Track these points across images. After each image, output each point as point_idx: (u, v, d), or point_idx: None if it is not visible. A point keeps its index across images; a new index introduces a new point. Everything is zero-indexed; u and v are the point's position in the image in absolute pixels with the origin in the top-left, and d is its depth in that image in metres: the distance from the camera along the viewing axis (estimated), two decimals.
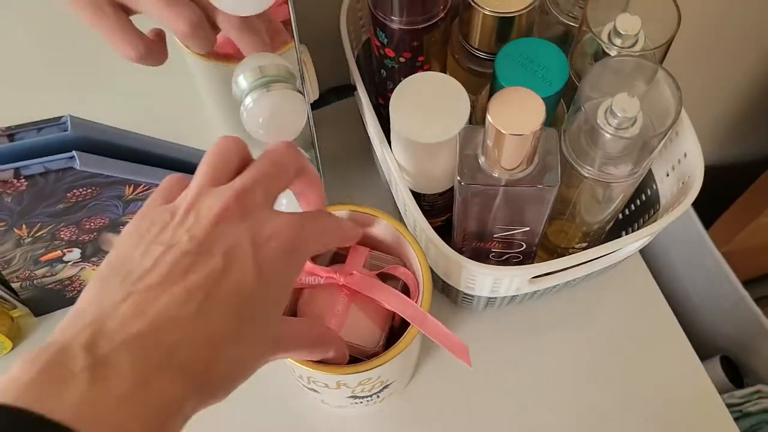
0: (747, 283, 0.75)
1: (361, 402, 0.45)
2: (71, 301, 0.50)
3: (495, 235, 0.44)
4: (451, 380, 0.50)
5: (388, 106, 0.42)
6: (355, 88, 0.49)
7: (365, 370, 0.37)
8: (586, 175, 0.39)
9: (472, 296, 0.48)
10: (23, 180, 0.36)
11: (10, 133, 0.37)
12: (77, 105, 0.39)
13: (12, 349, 0.49)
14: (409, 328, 0.38)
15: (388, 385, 0.44)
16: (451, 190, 0.47)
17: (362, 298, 0.40)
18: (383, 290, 0.39)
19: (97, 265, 0.47)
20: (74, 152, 0.37)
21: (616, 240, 0.42)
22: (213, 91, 0.47)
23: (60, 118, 0.38)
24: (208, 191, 0.28)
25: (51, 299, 0.49)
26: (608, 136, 0.37)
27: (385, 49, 0.45)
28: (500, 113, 0.35)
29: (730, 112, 0.81)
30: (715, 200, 0.70)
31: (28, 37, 0.41)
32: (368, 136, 0.49)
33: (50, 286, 0.47)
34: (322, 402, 0.46)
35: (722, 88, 0.77)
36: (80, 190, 0.39)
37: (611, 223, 0.47)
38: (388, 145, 0.45)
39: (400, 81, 0.46)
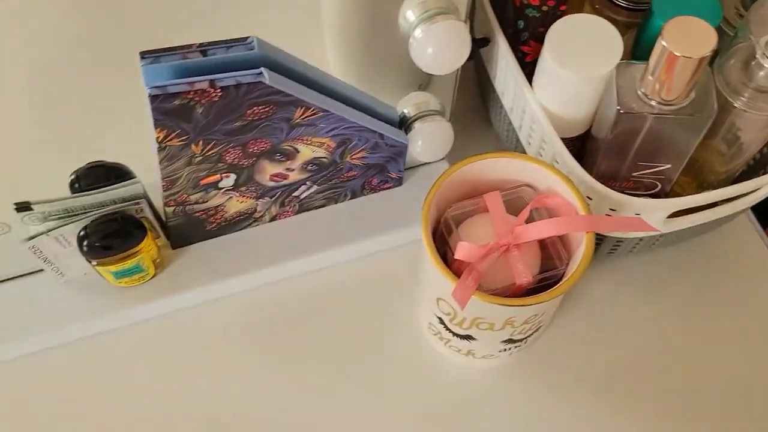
0: None
1: (510, 349, 0.47)
2: (208, 235, 0.52)
3: (633, 174, 0.46)
4: (571, 339, 0.52)
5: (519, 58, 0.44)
6: (488, 41, 0.52)
7: (555, 296, 0.39)
8: (737, 106, 0.41)
9: (601, 241, 0.49)
10: (218, 90, 0.39)
11: (203, 49, 0.39)
12: None
13: (153, 277, 0.51)
14: (584, 239, 0.40)
15: (539, 328, 0.45)
16: (581, 137, 0.49)
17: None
18: (548, 224, 0.41)
19: (245, 196, 0.50)
20: (262, 68, 0.39)
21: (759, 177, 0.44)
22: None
23: (247, 38, 0.40)
24: None
25: (192, 230, 0.51)
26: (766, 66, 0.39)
27: None
28: (673, 39, 0.37)
29: None
30: None
31: None
32: (480, 92, 0.51)
33: (197, 214, 0.50)
34: (466, 354, 0.48)
35: None
36: (260, 107, 0.41)
37: (738, 172, 0.49)
38: (531, 89, 0.47)
39: (539, 31, 0.49)
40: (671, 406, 0.50)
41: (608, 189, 0.43)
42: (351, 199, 0.55)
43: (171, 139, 0.41)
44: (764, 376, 0.51)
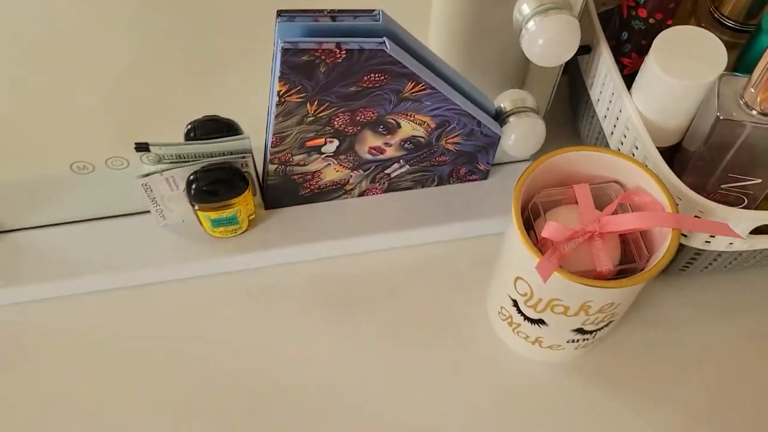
0: None
1: (578, 341, 0.48)
2: (300, 200, 0.55)
3: (721, 186, 0.47)
4: (634, 351, 0.53)
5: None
6: (589, 49, 0.54)
7: (635, 284, 0.41)
8: None
9: (677, 254, 0.50)
10: (343, 52, 0.42)
11: (333, 15, 0.43)
12: None
13: (245, 231, 0.55)
14: (670, 236, 0.41)
15: (611, 322, 0.46)
16: (671, 150, 0.50)
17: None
18: (634, 217, 0.42)
19: (342, 166, 0.52)
20: (385, 38, 0.43)
21: None
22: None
23: (373, 10, 0.44)
24: None
25: (286, 193, 0.54)
26: None
27: (638, 9, 0.50)
28: None
29: None
30: None
31: None
32: (571, 103, 0.53)
33: (295, 177, 0.53)
34: (533, 342, 0.49)
35: None
36: (376, 75, 0.44)
37: None
38: (629, 96, 0.49)
39: (641, 44, 0.51)
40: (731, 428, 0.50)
41: (696, 194, 0.45)
42: (437, 185, 0.57)
43: (291, 95, 0.44)
44: None
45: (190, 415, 0.50)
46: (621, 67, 0.53)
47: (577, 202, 0.45)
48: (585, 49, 0.55)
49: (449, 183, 0.57)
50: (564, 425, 0.50)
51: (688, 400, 0.51)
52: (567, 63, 0.58)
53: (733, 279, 0.56)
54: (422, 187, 0.57)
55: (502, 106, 0.53)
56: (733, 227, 0.45)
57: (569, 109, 0.63)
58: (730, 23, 0.48)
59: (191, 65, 0.51)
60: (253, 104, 0.48)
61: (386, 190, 0.57)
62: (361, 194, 0.56)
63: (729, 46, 0.49)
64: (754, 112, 0.42)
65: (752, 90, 0.41)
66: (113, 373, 0.51)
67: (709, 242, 0.48)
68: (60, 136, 0.51)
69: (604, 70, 0.51)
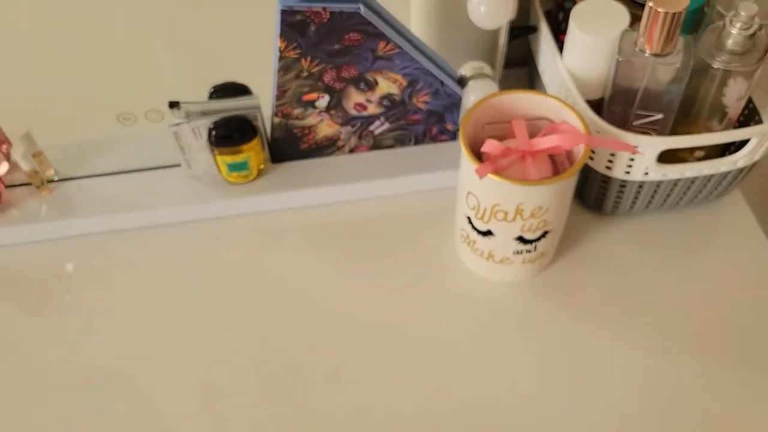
0: None
1: (522, 252, 0.58)
2: (300, 154, 0.68)
3: (634, 123, 0.58)
4: (581, 280, 0.63)
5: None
6: (536, 29, 0.67)
7: (552, 183, 0.52)
8: (715, 66, 0.54)
9: (606, 188, 0.61)
10: (327, 14, 0.55)
11: None
12: None
13: (254, 179, 0.67)
14: (582, 150, 0.52)
15: (547, 232, 0.57)
16: (597, 106, 0.62)
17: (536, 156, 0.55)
18: (556, 137, 0.54)
19: (333, 121, 0.65)
20: (360, 4, 0.56)
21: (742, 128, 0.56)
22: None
23: None
24: None
25: (288, 146, 0.67)
26: (734, 32, 0.52)
27: None
28: (659, 0, 0.51)
29: None
30: None
31: None
32: (530, 74, 0.66)
33: (295, 131, 0.65)
34: (488, 258, 0.60)
35: None
36: (353, 34, 0.57)
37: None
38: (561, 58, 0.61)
39: None
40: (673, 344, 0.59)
41: (610, 125, 0.56)
42: (414, 144, 0.69)
43: (289, 50, 0.58)
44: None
45: (202, 337, 0.61)
46: (560, 44, 0.65)
47: (515, 137, 0.57)
48: (533, 29, 0.67)
49: (424, 143, 0.69)
50: (517, 337, 0.60)
51: (627, 322, 0.61)
52: (523, 45, 0.71)
53: (672, 219, 0.66)
54: (402, 145, 0.69)
55: (463, 73, 0.65)
56: (641, 154, 0.56)
57: (528, 85, 0.75)
58: (640, 0, 0.61)
59: (215, 40, 0.65)
60: (263, 74, 0.61)
61: (372, 148, 0.69)
62: (351, 151, 0.69)
63: (636, 19, 0.61)
64: (647, 54, 0.53)
65: (642, 39, 0.53)
66: (147, 293, 0.63)
67: (628, 173, 0.59)
68: (109, 94, 0.65)
69: (544, 41, 0.64)
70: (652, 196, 0.62)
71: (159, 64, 0.63)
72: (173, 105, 0.63)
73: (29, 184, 0.67)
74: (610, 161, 0.59)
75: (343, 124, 0.66)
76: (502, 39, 0.64)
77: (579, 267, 0.63)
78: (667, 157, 0.58)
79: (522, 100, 0.58)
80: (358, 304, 0.61)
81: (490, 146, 0.53)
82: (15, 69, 0.64)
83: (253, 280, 0.63)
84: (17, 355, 0.59)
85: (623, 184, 0.61)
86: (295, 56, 0.58)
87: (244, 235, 0.66)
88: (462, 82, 0.65)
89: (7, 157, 0.67)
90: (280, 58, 0.58)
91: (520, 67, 0.74)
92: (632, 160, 0.58)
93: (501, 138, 0.58)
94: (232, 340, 0.60)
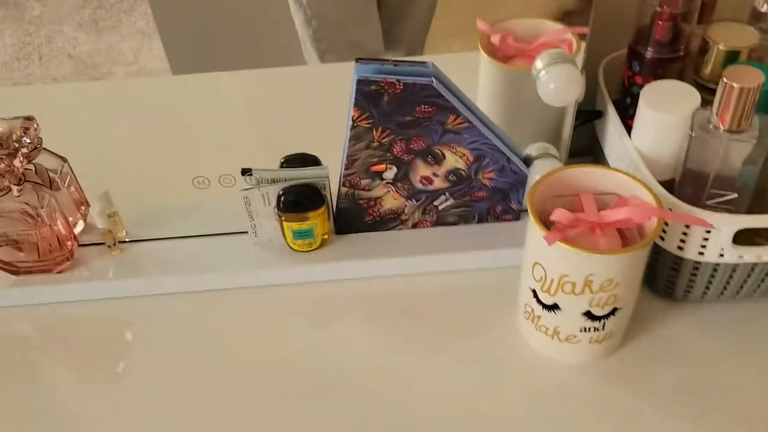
0: None
1: (590, 330, 0.56)
2: (364, 227, 0.68)
3: (707, 202, 0.57)
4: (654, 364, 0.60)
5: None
6: (601, 114, 0.68)
7: (625, 252, 0.51)
8: None
9: (678, 271, 0.59)
10: (401, 85, 0.57)
11: (396, 62, 0.59)
12: None
13: (317, 248, 0.67)
14: (655, 224, 0.51)
15: (617, 309, 0.55)
16: (670, 183, 0.61)
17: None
18: (627, 209, 0.53)
19: (398, 194, 0.66)
20: (432, 78, 0.58)
21: None
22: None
23: (425, 62, 0.59)
24: None
25: (353, 217, 0.68)
26: None
27: (635, 77, 0.64)
28: (731, 76, 0.51)
29: None
30: None
31: None
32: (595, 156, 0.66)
33: (361, 201, 0.66)
34: (552, 335, 0.58)
35: None
36: (424, 106, 0.59)
37: None
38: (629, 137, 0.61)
39: None
40: None
41: (684, 203, 0.55)
42: (477, 222, 0.69)
43: (361, 120, 0.60)
44: None
45: (261, 400, 0.60)
46: (628, 129, 0.66)
47: (583, 210, 0.56)
48: (599, 114, 0.68)
49: (487, 221, 0.69)
50: (580, 420, 0.56)
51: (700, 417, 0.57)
52: (588, 133, 0.72)
53: (745, 308, 0.63)
54: (465, 222, 0.69)
55: (529, 153, 0.66)
56: (715, 234, 0.54)
57: None
58: (709, 85, 0.61)
59: (288, 114, 0.68)
60: (333, 147, 0.64)
61: (435, 224, 0.69)
62: (414, 226, 0.69)
63: (707, 103, 0.61)
64: (721, 131, 0.53)
65: (715, 116, 0.53)
66: (201, 352, 0.63)
67: (702, 253, 0.57)
68: (188, 158, 0.67)
69: (612, 126, 0.64)
70: (728, 282, 0.60)
71: (235, 132, 0.67)
72: (245, 171, 0.65)
73: (101, 243, 0.69)
74: (683, 240, 0.57)
75: (408, 198, 0.66)
76: (569, 118, 0.65)
77: (648, 355, 0.60)
78: (743, 241, 0.56)
79: (590, 174, 0.57)
80: (414, 379, 0.59)
81: (559, 215, 0.53)
82: (100, 132, 0.68)
83: (311, 349, 0.62)
84: (71, 420, 0.59)
85: (696, 266, 0.59)
86: (367, 126, 0.60)
87: (304, 303, 0.66)
88: (528, 161, 0.66)
89: (84, 218, 0.70)
90: (353, 128, 0.60)
91: (584, 156, 0.74)
92: (706, 240, 0.56)
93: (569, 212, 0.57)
94: (291, 407, 0.58)
